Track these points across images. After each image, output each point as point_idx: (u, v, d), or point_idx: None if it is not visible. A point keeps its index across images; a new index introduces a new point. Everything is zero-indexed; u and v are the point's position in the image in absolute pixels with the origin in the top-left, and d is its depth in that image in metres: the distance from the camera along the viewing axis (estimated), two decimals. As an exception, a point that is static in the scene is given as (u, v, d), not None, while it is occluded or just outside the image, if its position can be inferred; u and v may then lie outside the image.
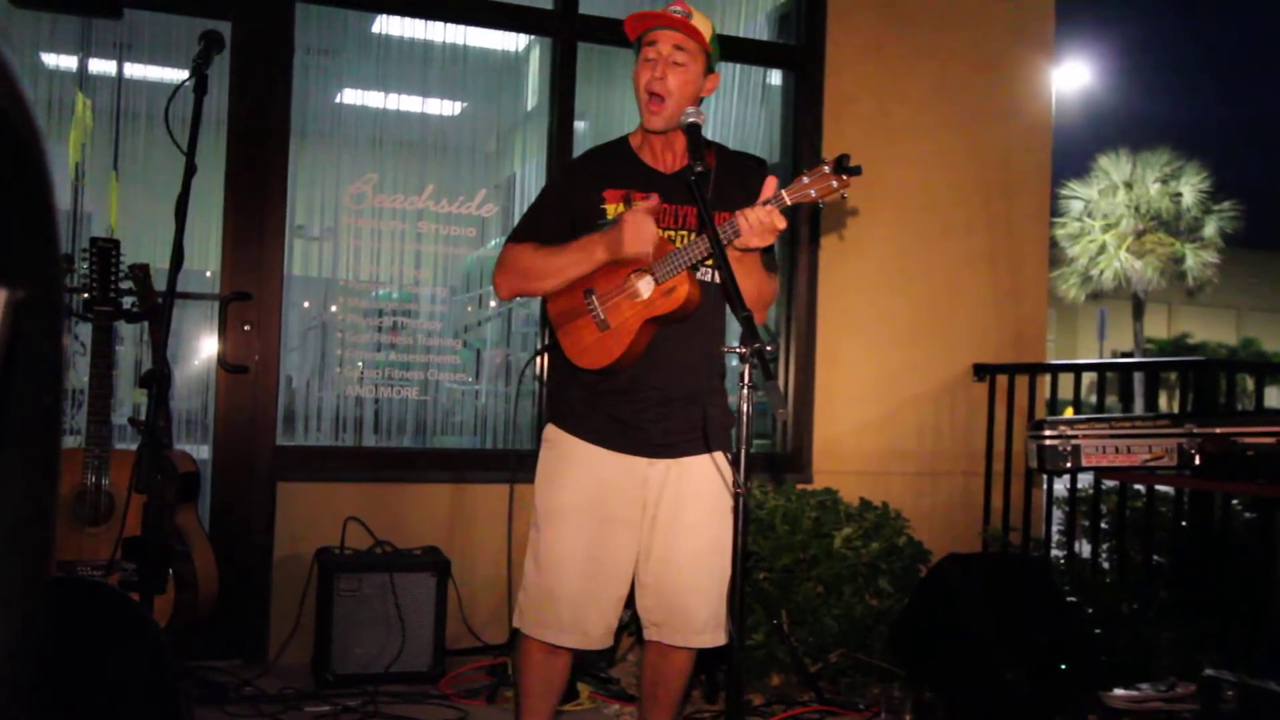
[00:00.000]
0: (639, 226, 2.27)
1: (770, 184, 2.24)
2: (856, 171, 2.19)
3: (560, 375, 2.52)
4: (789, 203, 2.21)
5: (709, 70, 2.44)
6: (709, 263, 2.37)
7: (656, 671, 2.53)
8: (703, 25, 2.38)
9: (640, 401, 2.41)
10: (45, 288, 0.49)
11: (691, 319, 2.36)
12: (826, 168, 2.19)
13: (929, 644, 3.26)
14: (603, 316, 2.37)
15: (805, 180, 2.21)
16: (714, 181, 2.39)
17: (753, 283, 2.36)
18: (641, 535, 2.46)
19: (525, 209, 2.59)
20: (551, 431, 2.51)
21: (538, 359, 4.22)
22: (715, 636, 2.45)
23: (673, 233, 2.41)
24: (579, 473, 2.43)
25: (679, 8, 2.37)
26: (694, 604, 2.42)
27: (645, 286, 2.34)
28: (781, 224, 2.23)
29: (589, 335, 2.39)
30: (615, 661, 3.63)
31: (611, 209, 2.43)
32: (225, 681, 3.40)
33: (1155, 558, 3.98)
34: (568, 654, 2.48)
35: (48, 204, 0.49)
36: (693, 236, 2.38)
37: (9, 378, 0.46)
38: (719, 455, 2.46)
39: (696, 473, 2.45)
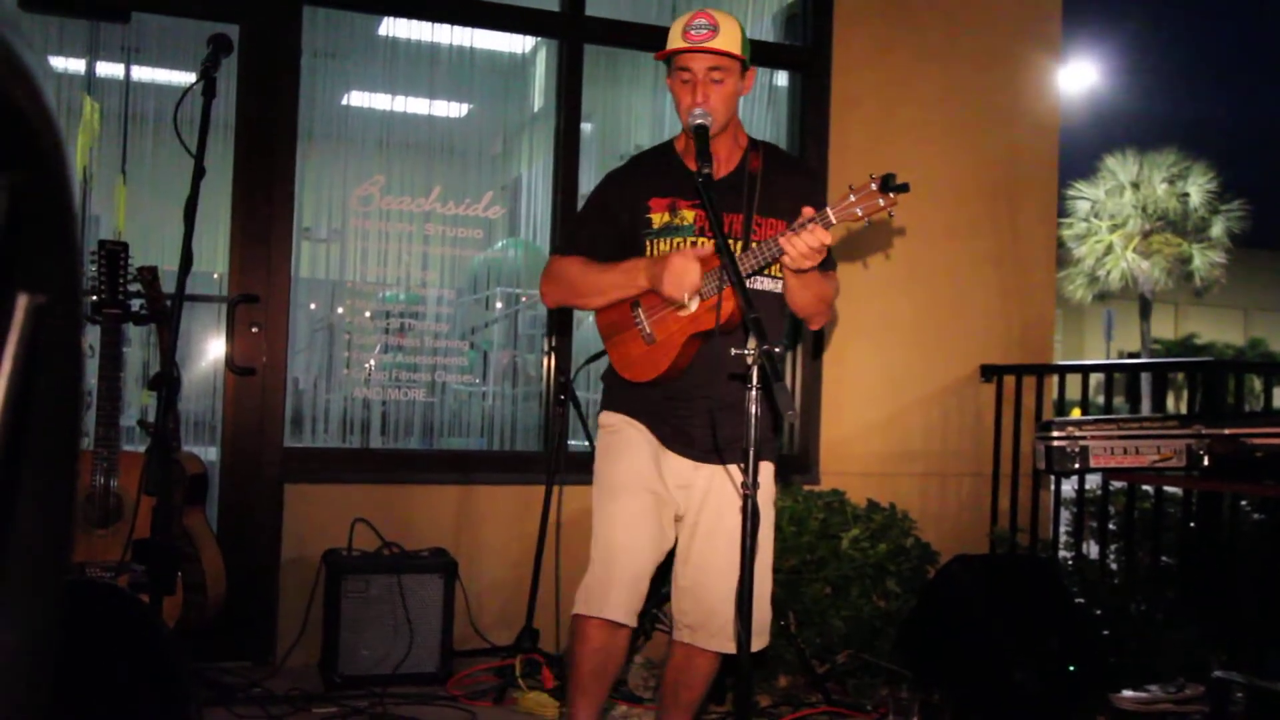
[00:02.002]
0: (683, 273, 2.28)
1: (807, 210, 2.22)
2: (904, 189, 2.17)
3: (613, 378, 2.56)
4: (835, 221, 2.20)
5: (744, 70, 2.45)
6: (766, 270, 2.40)
7: (681, 673, 2.54)
8: (731, 35, 2.38)
9: (689, 409, 2.44)
10: (66, 293, 0.49)
11: (736, 332, 2.35)
12: (874, 185, 2.18)
13: (937, 645, 3.26)
14: (649, 330, 2.41)
15: (852, 199, 2.19)
16: (762, 185, 2.42)
17: (812, 293, 2.39)
18: (681, 538, 2.48)
19: (543, 215, 2.62)
20: (608, 417, 2.55)
21: (544, 359, 4.22)
22: (754, 643, 2.44)
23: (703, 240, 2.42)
24: (635, 451, 2.46)
25: (705, 20, 2.36)
26: (732, 610, 2.41)
27: (691, 301, 2.36)
28: (828, 240, 2.21)
29: (636, 348, 2.43)
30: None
31: (657, 217, 2.45)
32: (233, 683, 3.41)
33: (1164, 559, 3.97)
34: (627, 634, 2.45)
35: (69, 209, 0.50)
36: (738, 246, 2.39)
37: (30, 384, 0.46)
38: (765, 465, 2.46)
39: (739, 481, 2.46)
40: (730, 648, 2.44)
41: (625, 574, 2.39)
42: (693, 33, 2.36)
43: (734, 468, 2.44)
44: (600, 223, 2.53)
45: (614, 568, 2.40)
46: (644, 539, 2.41)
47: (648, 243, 2.45)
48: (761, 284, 2.45)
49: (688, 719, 2.58)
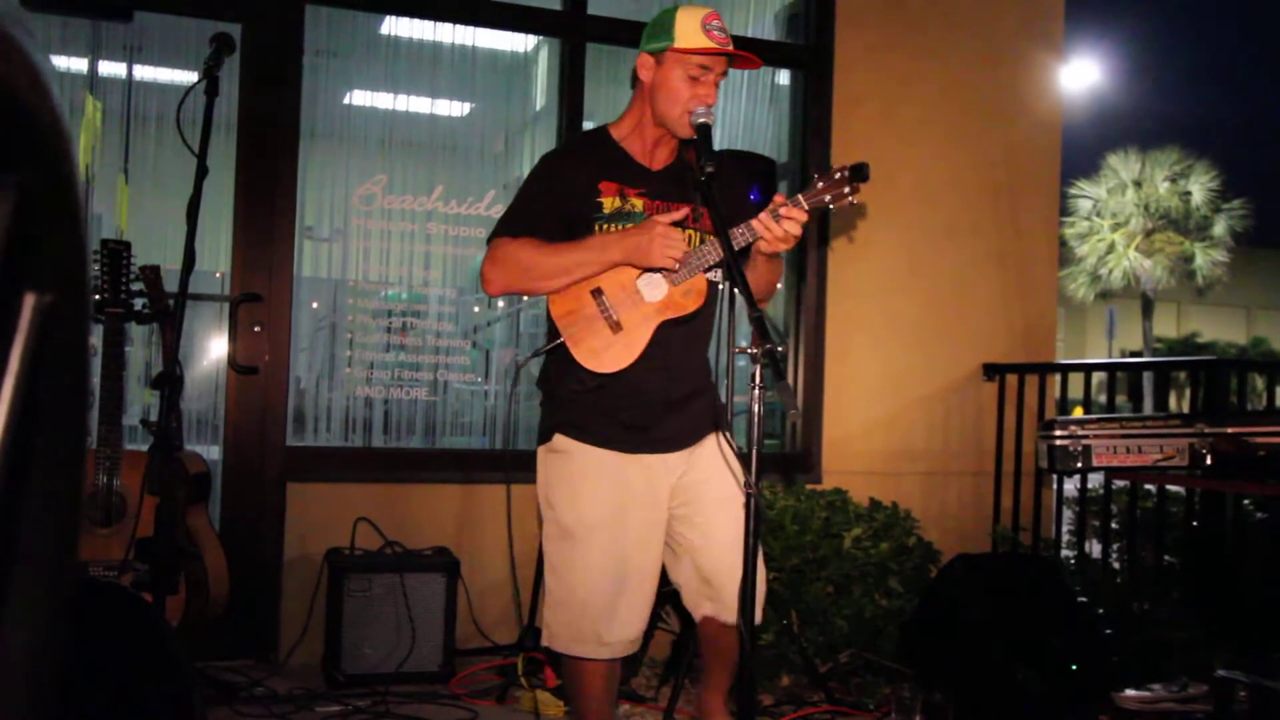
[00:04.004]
0: (669, 240, 2.27)
1: (779, 197, 2.29)
2: (864, 177, 2.23)
3: (566, 385, 2.44)
4: (807, 208, 2.25)
5: None
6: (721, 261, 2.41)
7: (716, 641, 2.52)
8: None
9: (648, 403, 2.41)
10: (73, 292, 0.49)
11: (694, 319, 2.40)
12: (838, 174, 2.24)
13: (939, 644, 3.26)
14: (616, 318, 2.35)
15: (820, 185, 2.25)
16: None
17: (772, 277, 2.46)
18: (673, 525, 2.47)
19: (512, 199, 2.55)
20: (563, 442, 2.44)
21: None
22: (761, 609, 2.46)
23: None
24: (602, 483, 2.39)
25: (720, 23, 2.37)
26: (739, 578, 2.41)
27: (658, 287, 2.36)
28: (799, 231, 2.28)
29: (601, 338, 2.36)
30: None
31: (608, 201, 2.41)
32: (236, 681, 3.41)
33: (1166, 558, 3.97)
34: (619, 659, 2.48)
35: (76, 208, 0.50)
36: (693, 234, 2.41)
37: (36, 384, 0.46)
38: (724, 437, 2.49)
39: (711, 449, 2.47)
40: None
41: (596, 614, 2.37)
42: (716, 33, 2.36)
43: (705, 440, 2.47)
44: (547, 205, 2.42)
45: (588, 619, 2.37)
46: (609, 578, 2.38)
47: (597, 226, 2.40)
48: (715, 275, 2.46)
49: (730, 673, 2.59)
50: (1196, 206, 25.33)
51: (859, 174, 2.21)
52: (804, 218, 2.25)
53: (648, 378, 2.38)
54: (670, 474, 2.46)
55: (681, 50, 2.36)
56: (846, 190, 2.23)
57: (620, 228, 2.39)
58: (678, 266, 2.29)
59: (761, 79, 4.68)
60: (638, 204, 2.42)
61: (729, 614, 2.43)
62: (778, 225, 2.24)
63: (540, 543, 3.64)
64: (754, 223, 2.26)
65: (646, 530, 2.43)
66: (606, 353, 2.36)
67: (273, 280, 3.82)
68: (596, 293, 2.36)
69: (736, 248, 2.29)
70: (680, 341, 2.42)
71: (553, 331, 2.44)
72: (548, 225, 2.39)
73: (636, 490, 2.42)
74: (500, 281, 2.42)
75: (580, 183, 2.42)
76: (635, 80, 2.49)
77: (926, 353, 4.53)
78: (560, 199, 2.42)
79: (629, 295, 2.35)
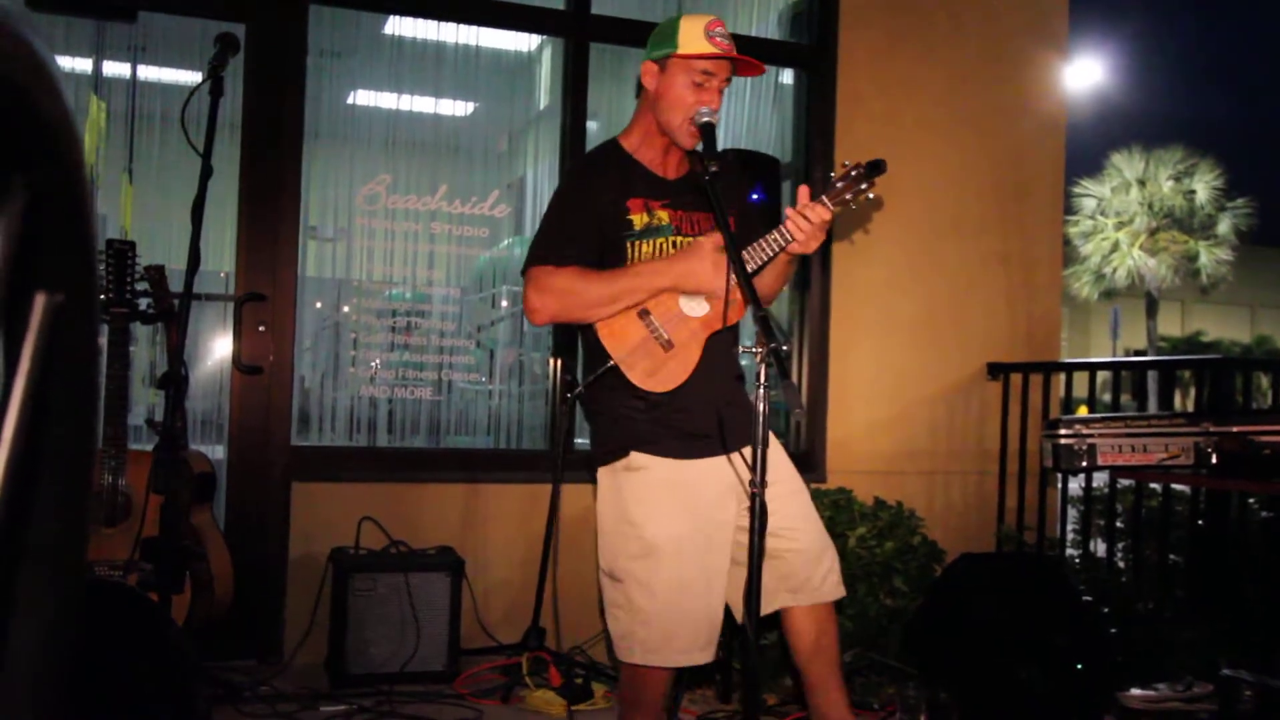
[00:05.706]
0: (719, 266, 2.29)
1: (804, 191, 2.32)
2: (880, 171, 2.29)
3: (626, 403, 2.40)
4: (832, 207, 2.31)
5: None
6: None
7: (814, 635, 2.49)
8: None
9: (701, 411, 2.40)
10: (82, 292, 0.49)
11: (735, 327, 2.46)
12: (855, 171, 2.28)
13: (943, 644, 3.26)
14: (666, 336, 2.35)
15: (839, 185, 2.30)
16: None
17: (786, 277, 2.51)
18: (737, 534, 2.44)
19: (541, 223, 2.50)
20: (640, 459, 2.42)
21: (550, 358, 4.22)
22: (838, 587, 2.49)
23: (691, 239, 2.42)
24: (677, 495, 2.39)
25: (724, 30, 2.37)
26: (814, 557, 2.44)
27: (700, 304, 2.38)
28: (828, 217, 2.32)
29: (654, 359, 2.35)
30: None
31: (637, 218, 2.42)
32: (241, 681, 3.42)
33: (1172, 557, 3.96)
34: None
35: (85, 209, 0.50)
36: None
37: (47, 383, 0.46)
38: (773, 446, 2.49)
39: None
40: (841, 590, 2.49)
41: (686, 622, 2.37)
42: (719, 40, 2.36)
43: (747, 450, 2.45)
44: (585, 229, 2.41)
45: (684, 616, 2.36)
46: (698, 587, 2.38)
47: (629, 245, 2.40)
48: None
49: (838, 674, 2.53)
50: (1201, 205, 25.29)
51: (876, 169, 2.28)
52: (829, 216, 2.30)
53: (702, 387, 2.39)
54: (736, 465, 2.43)
55: (685, 56, 2.36)
56: (864, 186, 2.28)
57: (651, 242, 2.40)
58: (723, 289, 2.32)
59: (765, 78, 4.68)
60: (664, 216, 2.42)
61: (811, 597, 2.44)
62: (805, 222, 2.28)
63: (545, 546, 3.68)
64: (787, 225, 2.29)
65: (720, 533, 2.43)
66: (661, 372, 2.35)
67: (277, 280, 3.82)
68: (644, 314, 2.36)
69: (770, 254, 2.33)
70: (721, 348, 2.45)
71: (594, 352, 2.41)
72: (588, 251, 2.38)
73: (709, 493, 2.42)
74: (548, 311, 2.38)
75: (608, 202, 2.41)
76: (640, 89, 2.48)
77: (930, 352, 4.53)
78: (592, 222, 2.41)
79: (675, 314, 2.36)
